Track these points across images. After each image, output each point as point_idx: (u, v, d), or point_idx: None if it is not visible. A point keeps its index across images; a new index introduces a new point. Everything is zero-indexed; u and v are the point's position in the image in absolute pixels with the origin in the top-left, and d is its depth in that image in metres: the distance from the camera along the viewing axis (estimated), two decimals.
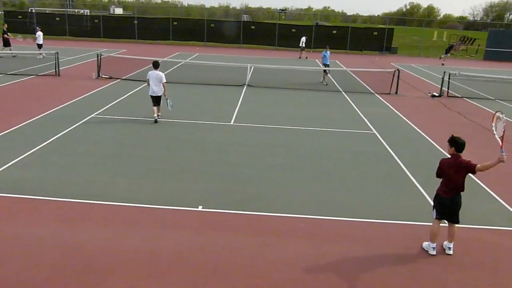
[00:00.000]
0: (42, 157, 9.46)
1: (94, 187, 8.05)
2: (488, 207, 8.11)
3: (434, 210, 6.37)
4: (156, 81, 12.53)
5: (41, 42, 26.06)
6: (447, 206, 6.24)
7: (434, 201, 6.41)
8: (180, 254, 6.05)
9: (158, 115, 12.84)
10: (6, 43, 25.47)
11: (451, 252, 6.37)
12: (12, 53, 24.66)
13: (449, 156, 6.27)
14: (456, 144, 6.14)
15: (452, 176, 6.13)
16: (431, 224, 6.59)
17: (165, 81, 12.64)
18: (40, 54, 25.07)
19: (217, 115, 13.87)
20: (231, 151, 10.46)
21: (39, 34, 26.08)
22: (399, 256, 6.28)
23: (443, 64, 32.03)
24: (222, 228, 6.83)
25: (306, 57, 33.78)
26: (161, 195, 7.88)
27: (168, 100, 12.87)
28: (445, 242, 6.44)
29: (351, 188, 8.61)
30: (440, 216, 6.34)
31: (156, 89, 12.56)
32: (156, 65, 12.65)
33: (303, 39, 34.38)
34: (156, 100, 12.71)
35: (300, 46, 34.35)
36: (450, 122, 14.59)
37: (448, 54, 33.93)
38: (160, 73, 12.58)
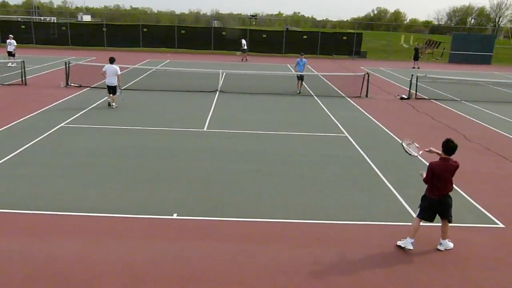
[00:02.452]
0: (9, 169, 9.18)
1: (64, 199, 7.85)
2: (457, 205, 8.31)
3: (419, 209, 6.59)
4: (112, 73, 15.00)
5: (12, 49, 25.90)
6: (437, 206, 6.48)
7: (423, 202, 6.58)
8: (155, 263, 5.97)
9: (113, 105, 15.20)
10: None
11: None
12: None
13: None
14: (444, 147, 6.49)
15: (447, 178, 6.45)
16: (404, 223, 6.73)
17: (120, 73, 15.18)
18: (10, 62, 24.55)
19: (190, 121, 13.79)
20: (204, 158, 10.41)
21: (13, 42, 25.84)
22: (373, 256, 6.37)
23: (418, 68, 32.65)
24: (197, 236, 6.78)
25: (246, 59, 34.46)
26: (135, 204, 7.76)
27: (121, 93, 15.55)
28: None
29: (325, 191, 8.70)
30: (423, 216, 6.57)
31: (112, 80, 15.03)
32: (112, 60, 15.23)
33: (244, 41, 34.97)
34: (111, 89, 15.17)
35: (242, 49, 34.83)
36: (419, 123, 14.96)
37: (418, 60, 34.32)
38: (116, 66, 15.11)
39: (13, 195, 7.92)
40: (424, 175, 6.46)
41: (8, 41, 25.87)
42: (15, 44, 26.02)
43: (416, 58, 33.84)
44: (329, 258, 6.28)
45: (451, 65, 38.05)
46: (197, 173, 9.36)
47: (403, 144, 7.14)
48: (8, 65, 24.46)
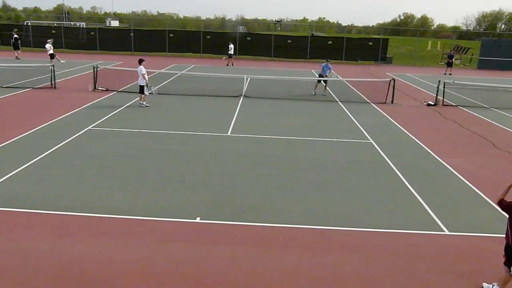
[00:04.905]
0: (38, 171, 9.41)
1: (91, 200, 8.00)
2: (486, 214, 8.11)
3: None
4: (139, 74, 16.25)
5: (51, 52, 27.44)
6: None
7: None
8: (178, 266, 6.01)
9: (143, 103, 16.39)
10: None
11: None
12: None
13: None
14: None
15: None
16: (429, 232, 6.58)
17: (144, 72, 16.23)
18: (59, 60, 26.18)
19: (214, 126, 13.88)
20: (228, 162, 10.44)
21: (48, 46, 27.27)
22: (397, 265, 6.25)
23: (447, 74, 32.16)
24: (220, 239, 6.79)
25: (232, 64, 33.73)
26: (159, 207, 7.84)
27: (150, 87, 17.07)
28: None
29: (349, 198, 8.60)
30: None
31: (139, 80, 16.30)
32: (140, 61, 16.39)
33: (231, 46, 34.32)
34: (140, 88, 16.33)
35: (228, 53, 34.30)
36: (445, 131, 14.66)
37: (452, 66, 33.85)
38: (141, 67, 16.23)
39: (41, 196, 8.11)
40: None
41: (48, 45, 27.26)
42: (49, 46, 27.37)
43: (450, 64, 33.37)
44: (352, 265, 6.20)
45: (479, 71, 37.22)
46: (221, 177, 9.40)
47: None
48: (62, 61, 26.10)
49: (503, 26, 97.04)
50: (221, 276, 5.81)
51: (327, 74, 20.81)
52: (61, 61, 26.34)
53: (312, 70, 31.80)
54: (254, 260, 6.24)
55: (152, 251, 6.37)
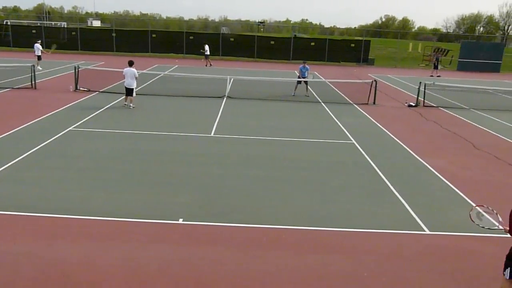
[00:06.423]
0: (17, 172, 9.24)
1: (72, 202, 7.88)
2: (467, 214, 8.22)
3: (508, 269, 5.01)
4: (130, 76, 15.72)
5: (39, 54, 26.84)
6: None
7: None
8: (160, 268, 5.96)
9: (130, 105, 15.95)
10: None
11: None
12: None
13: None
14: None
15: None
16: (411, 232, 6.66)
17: (137, 76, 16.07)
18: (37, 66, 25.57)
19: (197, 127, 13.82)
20: (211, 163, 10.41)
21: (37, 46, 26.74)
22: (380, 265, 6.32)
23: (438, 76, 32.71)
24: (203, 241, 6.77)
25: (211, 65, 34.04)
26: (141, 208, 7.77)
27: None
28: None
29: (332, 198, 8.66)
30: None
31: (130, 82, 15.76)
32: (131, 63, 16.05)
33: (207, 47, 34.39)
34: (129, 91, 15.90)
35: (205, 54, 34.42)
36: (426, 131, 14.88)
37: (438, 68, 34.53)
38: (134, 69, 15.87)
39: (21, 198, 7.95)
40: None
41: (37, 45, 26.87)
42: (40, 48, 26.98)
43: (436, 66, 34.00)
44: (335, 266, 6.24)
45: (459, 73, 37.90)
46: (204, 179, 9.36)
47: (475, 210, 5.49)
48: (39, 68, 25.65)
49: (481, 28, 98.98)
50: (204, 278, 5.78)
51: (306, 76, 21.04)
52: (39, 67, 25.96)
53: (295, 71, 31.78)
54: (237, 261, 6.23)
55: (135, 253, 6.31)
